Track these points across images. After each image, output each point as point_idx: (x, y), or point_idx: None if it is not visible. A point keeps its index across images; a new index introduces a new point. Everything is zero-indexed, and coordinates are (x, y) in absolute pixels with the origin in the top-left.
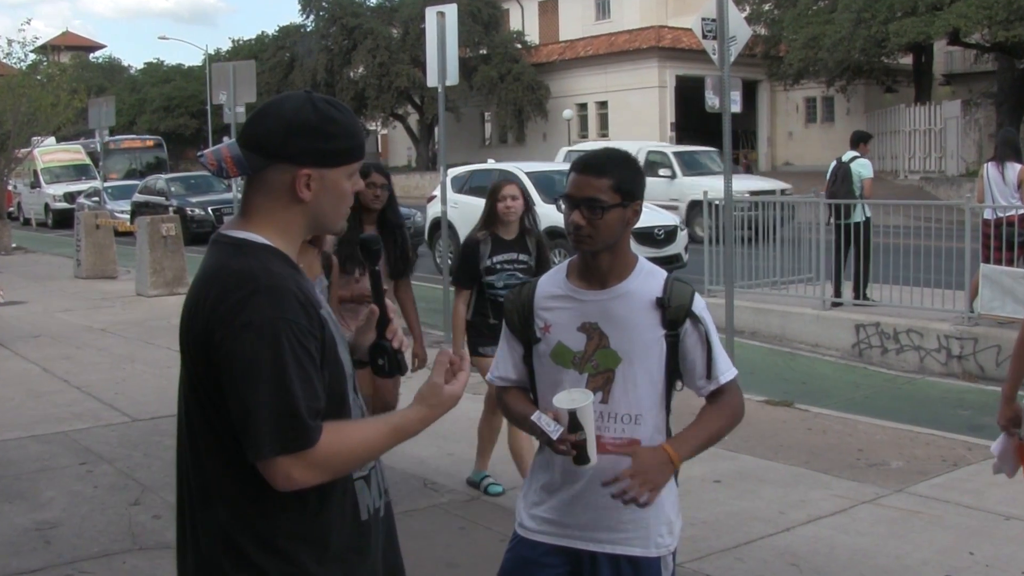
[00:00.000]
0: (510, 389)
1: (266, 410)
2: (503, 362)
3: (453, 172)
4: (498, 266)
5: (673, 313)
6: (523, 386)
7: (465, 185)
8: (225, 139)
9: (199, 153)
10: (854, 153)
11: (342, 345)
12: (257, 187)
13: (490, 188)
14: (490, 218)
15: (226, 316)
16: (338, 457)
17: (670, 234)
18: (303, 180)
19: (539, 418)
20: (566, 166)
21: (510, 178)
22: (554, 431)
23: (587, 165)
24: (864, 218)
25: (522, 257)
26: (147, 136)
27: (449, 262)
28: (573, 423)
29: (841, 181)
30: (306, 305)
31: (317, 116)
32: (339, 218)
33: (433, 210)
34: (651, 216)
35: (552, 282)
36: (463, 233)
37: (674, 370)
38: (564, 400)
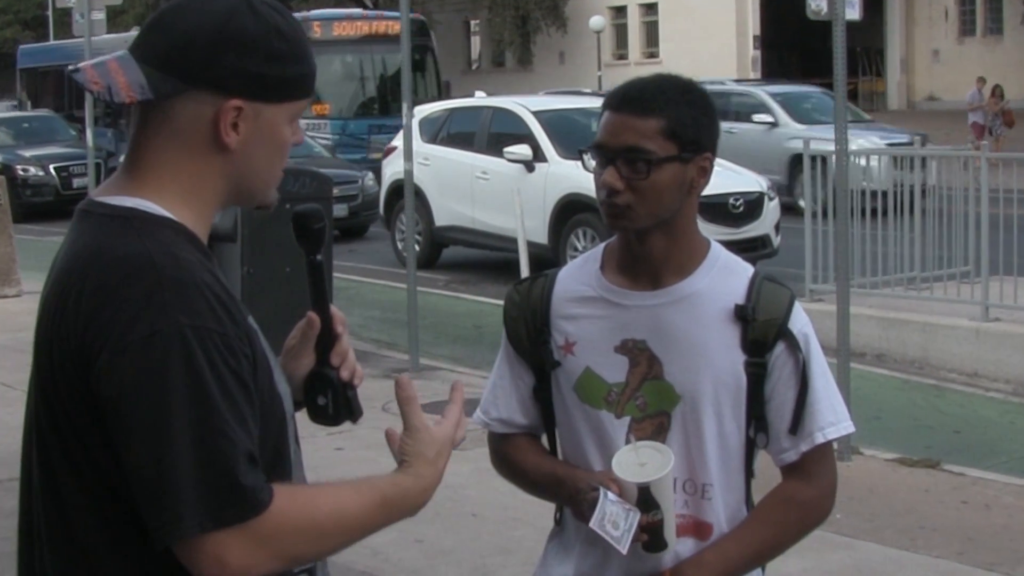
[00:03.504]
0: (514, 439)
1: (186, 463)
2: (504, 398)
3: (423, 111)
4: None
5: (760, 330)
6: (532, 433)
7: (442, 131)
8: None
9: (72, 67)
10: None
11: (278, 371)
12: (157, 126)
13: None
14: None
15: (114, 327)
16: (296, 534)
17: (753, 205)
18: (230, 116)
19: (601, 523)
20: (596, 102)
21: None
22: (624, 537)
23: (627, 99)
24: None
25: None
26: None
27: (416, 247)
28: (645, 500)
29: None
30: (230, 307)
31: (258, 25)
32: (273, 180)
33: (393, 169)
34: (724, 178)
35: (579, 277)
36: (438, 203)
37: (759, 417)
38: (629, 465)
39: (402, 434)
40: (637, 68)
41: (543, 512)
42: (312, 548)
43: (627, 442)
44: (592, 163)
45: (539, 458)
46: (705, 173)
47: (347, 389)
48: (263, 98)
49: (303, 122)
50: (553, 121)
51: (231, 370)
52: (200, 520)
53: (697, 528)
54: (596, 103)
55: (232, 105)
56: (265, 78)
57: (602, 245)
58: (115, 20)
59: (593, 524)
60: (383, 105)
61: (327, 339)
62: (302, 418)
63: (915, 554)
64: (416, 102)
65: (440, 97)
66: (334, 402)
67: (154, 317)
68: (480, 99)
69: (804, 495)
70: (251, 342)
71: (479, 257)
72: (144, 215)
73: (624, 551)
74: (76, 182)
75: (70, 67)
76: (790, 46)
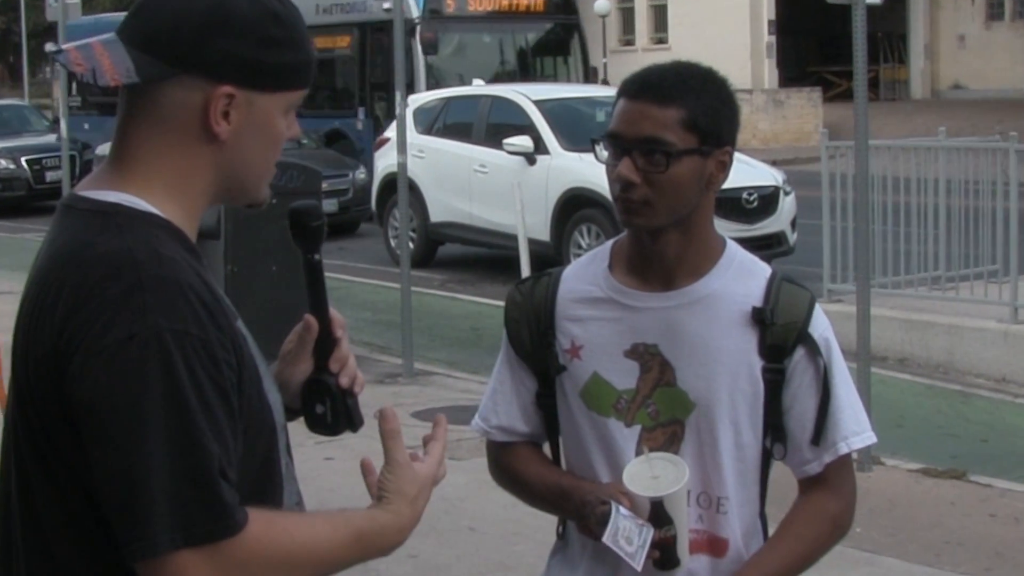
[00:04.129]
0: (515, 448)
1: (160, 475)
2: (505, 404)
3: (417, 100)
4: None
5: (779, 334)
6: (534, 441)
7: (437, 121)
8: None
9: (55, 48)
10: None
11: (268, 379)
12: (144, 114)
13: None
14: None
15: (90, 329)
16: (267, 561)
17: (768, 200)
18: (221, 104)
19: (614, 538)
20: (605, 91)
21: None
22: (638, 552)
23: (646, 86)
24: None
25: None
26: None
27: (410, 245)
28: (658, 515)
29: None
30: (215, 311)
31: (253, 8)
32: (265, 175)
33: (385, 162)
34: (738, 172)
35: (585, 276)
36: (433, 198)
37: (776, 427)
38: (642, 478)
39: (383, 469)
40: (645, 55)
41: (545, 526)
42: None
43: (638, 452)
44: (605, 154)
45: (542, 468)
46: (724, 168)
47: (347, 397)
48: (256, 86)
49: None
50: (556, 111)
51: (211, 379)
52: (171, 536)
53: (712, 544)
54: (600, 92)
55: (223, 92)
56: (259, 64)
57: (610, 242)
58: (91, 3)
59: (607, 539)
60: None
61: (326, 344)
62: (292, 426)
63: (940, 570)
64: None
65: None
66: (333, 411)
67: (132, 319)
68: (478, 87)
69: (833, 509)
70: (238, 349)
71: (477, 255)
72: (128, 210)
73: (639, 567)
74: (49, 175)
75: (53, 48)
76: (807, 31)
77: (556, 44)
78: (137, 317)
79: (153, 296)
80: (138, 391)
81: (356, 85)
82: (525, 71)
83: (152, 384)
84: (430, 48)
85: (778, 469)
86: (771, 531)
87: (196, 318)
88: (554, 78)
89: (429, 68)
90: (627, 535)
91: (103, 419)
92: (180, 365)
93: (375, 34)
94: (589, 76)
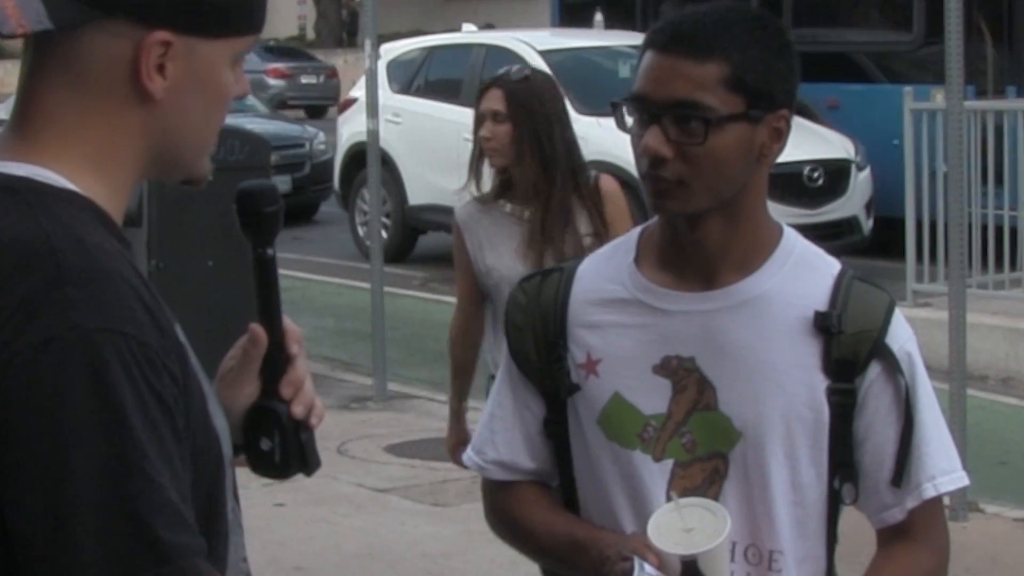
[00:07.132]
0: (518, 488)
1: (91, 513)
2: (505, 434)
3: (392, 50)
4: None
5: (848, 346)
6: (542, 480)
7: (417, 77)
8: None
9: None
10: None
11: (213, 401)
12: (57, 68)
13: None
14: None
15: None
16: None
17: (836, 177)
18: (154, 54)
19: None
20: (628, 39)
21: None
22: None
23: (679, 36)
24: None
25: None
26: None
27: (383, 234)
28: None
29: None
30: (155, 311)
31: None
32: (208, 142)
33: (351, 128)
34: (798, 141)
35: (606, 272)
36: (412, 174)
37: (845, 463)
38: (671, 530)
39: None
40: None
41: None
42: None
43: (668, 498)
44: (629, 121)
45: (551, 514)
46: (780, 136)
47: (300, 430)
48: (198, 31)
49: None
50: (567, 64)
51: (152, 389)
52: None
53: None
54: (622, 40)
55: (157, 39)
56: (200, 3)
57: (636, 230)
58: None
59: None
60: None
61: (276, 362)
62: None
63: None
64: None
65: None
66: (282, 447)
67: (51, 319)
68: (468, 34)
69: (925, 565)
70: (181, 359)
71: None
72: (39, 186)
73: None
74: None
75: None
76: None
77: None
78: (56, 316)
79: (76, 289)
80: (60, 409)
81: None
82: None
83: (78, 398)
84: None
85: (851, 517)
86: None
87: (132, 316)
88: None
89: None
90: None
91: (17, 448)
92: (117, 371)
93: None
94: None
